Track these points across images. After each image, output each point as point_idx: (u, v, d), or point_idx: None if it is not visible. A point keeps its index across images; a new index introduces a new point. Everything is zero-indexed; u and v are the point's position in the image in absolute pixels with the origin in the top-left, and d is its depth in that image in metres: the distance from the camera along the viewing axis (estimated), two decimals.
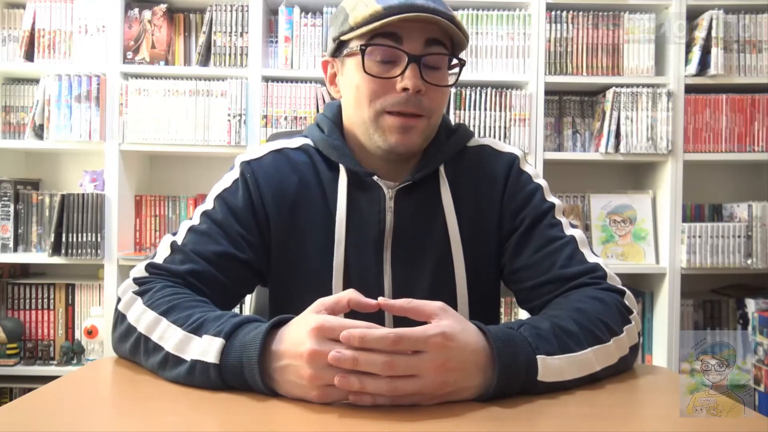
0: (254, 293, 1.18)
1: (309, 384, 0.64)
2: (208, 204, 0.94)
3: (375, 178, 0.95)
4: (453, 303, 0.93)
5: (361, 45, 0.89)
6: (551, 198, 0.97)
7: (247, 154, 1.00)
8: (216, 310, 0.77)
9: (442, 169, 0.97)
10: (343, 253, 0.94)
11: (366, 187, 0.96)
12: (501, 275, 0.99)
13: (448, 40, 0.92)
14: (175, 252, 0.88)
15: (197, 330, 0.72)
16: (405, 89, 0.88)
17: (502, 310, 1.52)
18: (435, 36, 0.89)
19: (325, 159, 0.98)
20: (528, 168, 1.00)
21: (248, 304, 1.34)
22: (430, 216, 0.96)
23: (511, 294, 0.99)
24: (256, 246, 0.94)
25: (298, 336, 0.66)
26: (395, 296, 0.93)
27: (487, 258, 0.97)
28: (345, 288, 0.91)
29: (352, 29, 0.90)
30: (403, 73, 0.88)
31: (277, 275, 0.97)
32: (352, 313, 0.69)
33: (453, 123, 1.04)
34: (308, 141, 1.00)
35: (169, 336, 0.73)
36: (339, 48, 0.95)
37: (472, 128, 2.18)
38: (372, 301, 0.67)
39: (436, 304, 0.67)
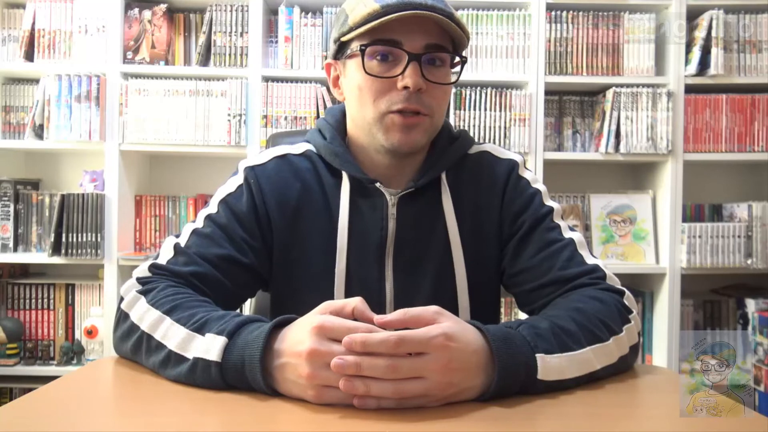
0: (255, 297, 1.18)
1: (307, 383, 0.64)
2: (212, 208, 0.94)
3: (377, 185, 0.95)
4: (454, 308, 0.93)
5: (361, 45, 0.89)
6: (549, 202, 0.98)
7: (250, 159, 1.00)
8: (219, 309, 0.77)
9: (443, 176, 0.98)
10: (345, 259, 0.94)
11: (368, 194, 0.96)
12: (501, 279, 1.00)
13: (449, 39, 0.91)
14: (179, 254, 0.88)
15: (200, 329, 0.72)
16: (406, 87, 0.88)
17: (502, 310, 1.52)
18: (435, 34, 0.89)
19: (328, 165, 0.98)
20: (527, 174, 1.01)
21: (248, 309, 1.34)
22: (431, 223, 0.96)
23: (511, 294, 1.00)
24: (259, 251, 0.94)
25: (299, 335, 0.66)
26: (397, 302, 0.94)
27: (488, 263, 0.98)
28: (347, 294, 0.92)
29: (351, 29, 0.90)
30: (403, 71, 0.88)
31: (279, 280, 0.97)
32: None
33: (455, 129, 1.04)
34: (311, 146, 1.00)
35: (172, 334, 0.73)
36: (340, 50, 0.95)
37: (472, 128, 2.19)
38: (373, 316, 0.67)
39: (432, 309, 0.67)
